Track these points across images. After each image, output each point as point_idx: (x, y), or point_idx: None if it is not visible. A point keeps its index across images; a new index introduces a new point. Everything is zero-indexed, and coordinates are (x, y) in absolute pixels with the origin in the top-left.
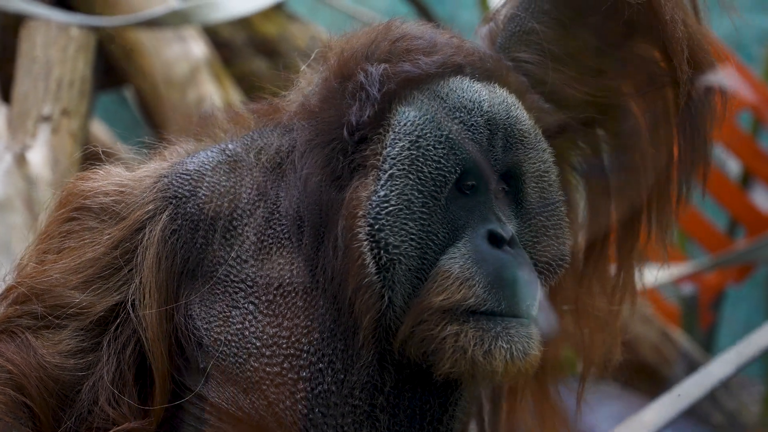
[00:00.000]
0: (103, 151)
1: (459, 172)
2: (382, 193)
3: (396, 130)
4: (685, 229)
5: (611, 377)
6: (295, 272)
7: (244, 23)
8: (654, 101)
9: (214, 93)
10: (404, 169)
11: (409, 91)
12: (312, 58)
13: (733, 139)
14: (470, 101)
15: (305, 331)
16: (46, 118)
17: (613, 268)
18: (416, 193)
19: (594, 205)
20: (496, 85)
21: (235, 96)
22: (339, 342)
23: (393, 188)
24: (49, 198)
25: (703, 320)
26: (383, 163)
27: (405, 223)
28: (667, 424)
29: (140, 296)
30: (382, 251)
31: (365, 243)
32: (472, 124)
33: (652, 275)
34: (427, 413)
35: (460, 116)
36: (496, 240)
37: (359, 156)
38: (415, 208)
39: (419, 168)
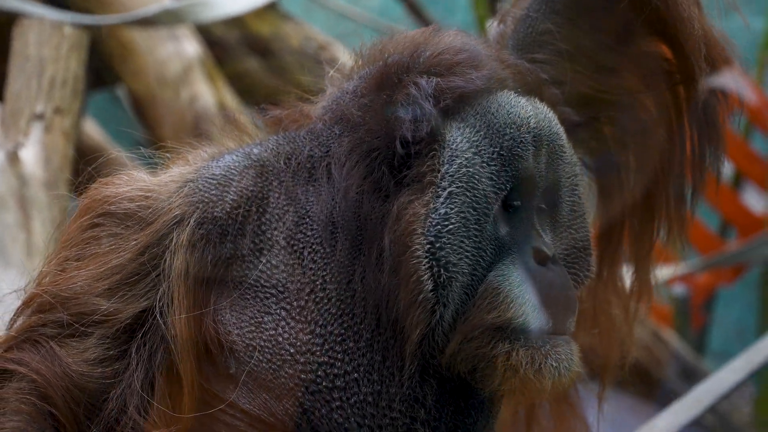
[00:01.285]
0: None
1: (508, 188)
2: (442, 211)
3: (452, 147)
4: None
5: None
6: (327, 279)
7: (238, 22)
8: (666, 98)
9: (206, 92)
10: (462, 186)
11: (462, 106)
12: (339, 64)
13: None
14: (519, 117)
15: (339, 339)
16: (39, 117)
17: (626, 268)
18: (472, 211)
19: (607, 203)
20: (536, 99)
21: (228, 95)
22: (376, 353)
23: (453, 206)
24: (71, 205)
25: (695, 321)
26: (442, 180)
27: (462, 241)
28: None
29: (168, 302)
30: (442, 269)
31: (424, 261)
32: (521, 141)
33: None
34: (470, 427)
35: (511, 132)
36: (541, 257)
37: (412, 171)
38: (470, 225)
39: (475, 185)
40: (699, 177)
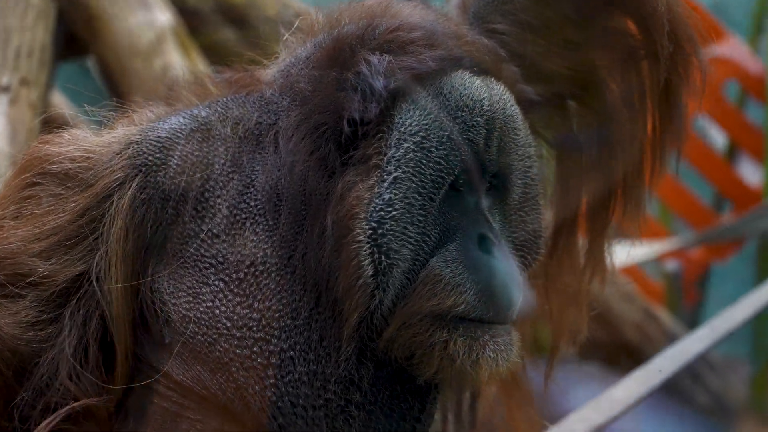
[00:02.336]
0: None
1: (456, 173)
2: (386, 197)
3: (401, 130)
4: (670, 204)
5: (591, 357)
6: (268, 252)
7: None
8: (630, 75)
9: (179, 62)
10: (408, 171)
11: (413, 88)
12: (295, 27)
13: (719, 110)
14: (472, 100)
15: (277, 315)
16: (5, 89)
17: (583, 244)
18: (417, 196)
19: (565, 180)
20: (492, 79)
21: (202, 66)
22: (314, 333)
23: (398, 191)
24: (9, 163)
25: (687, 297)
26: (388, 164)
27: (406, 227)
28: (639, 401)
29: (105, 268)
30: (383, 256)
31: (365, 246)
32: (473, 125)
33: (632, 252)
34: (406, 412)
35: (462, 116)
36: (486, 244)
37: (359, 152)
38: (415, 211)
39: (422, 170)
40: (659, 157)
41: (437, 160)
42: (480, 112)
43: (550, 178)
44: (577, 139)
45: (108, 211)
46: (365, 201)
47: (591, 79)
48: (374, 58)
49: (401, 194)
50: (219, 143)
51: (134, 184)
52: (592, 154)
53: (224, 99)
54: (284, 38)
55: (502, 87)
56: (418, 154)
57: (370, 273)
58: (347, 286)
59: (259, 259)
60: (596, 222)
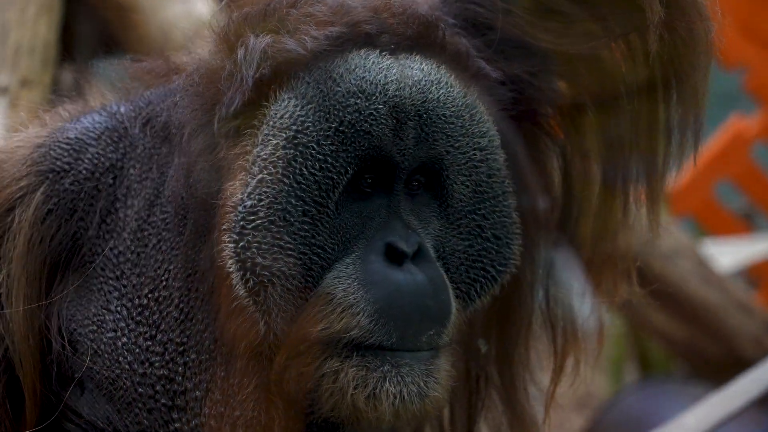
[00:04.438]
0: None
1: (352, 171)
2: (248, 203)
3: (270, 123)
4: None
5: (703, 376)
6: (172, 274)
7: None
8: (631, 44)
9: None
10: (277, 172)
11: (292, 74)
12: (223, 4)
13: None
14: (371, 83)
15: (181, 349)
16: (3, 90)
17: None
18: (294, 201)
19: (567, 172)
20: (418, 57)
21: None
22: (219, 368)
23: (262, 197)
24: None
25: None
26: (252, 165)
27: (278, 238)
28: (712, 429)
29: (6, 291)
30: (248, 273)
31: (230, 262)
32: (371, 113)
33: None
34: None
35: (356, 103)
36: (395, 255)
37: (233, 153)
38: (293, 219)
39: (298, 170)
40: (674, 141)
41: (321, 157)
42: (383, 97)
43: (555, 168)
44: (577, 124)
45: (10, 226)
46: (230, 210)
47: (583, 53)
48: (253, 42)
49: (268, 200)
50: (136, 144)
51: (38, 194)
52: (597, 139)
53: (147, 92)
54: (209, 20)
55: (432, 65)
56: (291, 151)
57: (244, 294)
58: (227, 311)
59: (162, 283)
60: (601, 227)
